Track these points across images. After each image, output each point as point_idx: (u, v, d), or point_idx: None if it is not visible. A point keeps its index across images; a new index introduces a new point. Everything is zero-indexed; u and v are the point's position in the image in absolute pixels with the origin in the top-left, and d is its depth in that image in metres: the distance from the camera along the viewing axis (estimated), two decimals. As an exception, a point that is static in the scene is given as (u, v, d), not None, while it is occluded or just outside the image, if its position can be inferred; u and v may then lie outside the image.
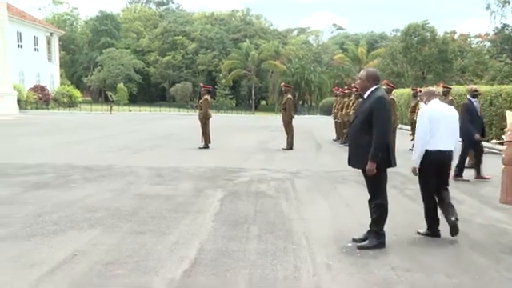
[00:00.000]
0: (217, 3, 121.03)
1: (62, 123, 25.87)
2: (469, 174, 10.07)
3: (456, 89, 20.29)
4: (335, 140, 18.15)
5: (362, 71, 5.51)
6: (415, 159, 5.61)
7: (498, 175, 7.50)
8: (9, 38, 36.98)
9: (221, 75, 63.39)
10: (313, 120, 36.30)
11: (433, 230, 5.72)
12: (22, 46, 44.10)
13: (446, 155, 5.63)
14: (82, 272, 4.35)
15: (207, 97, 15.06)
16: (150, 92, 73.00)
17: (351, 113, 15.17)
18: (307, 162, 12.35)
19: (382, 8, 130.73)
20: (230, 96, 64.01)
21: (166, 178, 9.41)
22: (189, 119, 30.09)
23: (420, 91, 15.04)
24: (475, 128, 9.61)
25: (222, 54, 66.61)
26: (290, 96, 15.47)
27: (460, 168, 9.74)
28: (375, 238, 5.19)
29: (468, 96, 10.42)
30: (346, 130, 15.37)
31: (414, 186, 6.01)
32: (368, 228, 5.29)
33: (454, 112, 5.86)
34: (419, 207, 6.25)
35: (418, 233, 5.78)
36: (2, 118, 27.59)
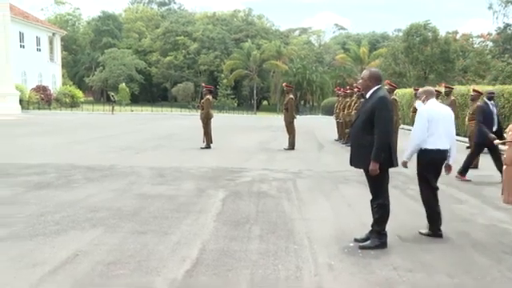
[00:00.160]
0: (218, 3, 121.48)
1: (64, 123, 25.90)
2: (471, 174, 10.06)
3: (458, 89, 20.27)
4: (337, 140, 18.15)
5: (364, 71, 5.51)
6: (407, 154, 5.69)
7: (500, 175, 7.50)
8: (11, 38, 37.04)
9: (222, 75, 63.46)
10: (314, 120, 36.28)
11: (435, 230, 5.71)
12: (24, 47, 44.18)
13: (444, 154, 5.72)
14: (83, 272, 4.35)
15: (209, 97, 15.07)
16: (151, 92, 73.09)
17: (353, 113, 15.16)
18: (309, 162, 12.34)
19: (383, 8, 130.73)
20: (232, 96, 64.07)
21: (167, 178, 9.42)
22: (190, 119, 30.09)
23: (437, 91, 15.04)
24: (490, 130, 9.48)
25: (223, 54, 66.65)
26: (291, 96, 15.46)
27: (465, 167, 9.73)
28: (377, 238, 5.19)
29: (484, 98, 10.39)
30: (347, 130, 15.38)
31: (416, 186, 6.00)
32: (370, 228, 5.29)
33: (451, 112, 5.95)
34: (421, 207, 6.23)
35: (420, 233, 5.78)
36: (4, 118, 27.65)
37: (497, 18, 41.32)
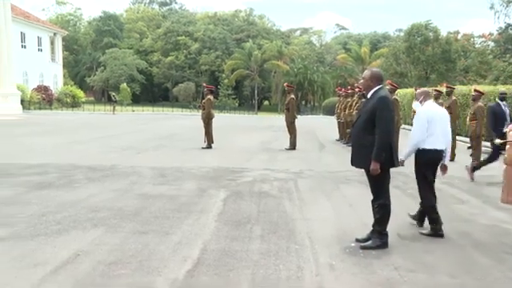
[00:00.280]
0: (220, 3, 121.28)
1: (65, 123, 25.92)
2: (474, 174, 10.06)
3: (459, 89, 20.25)
4: (338, 140, 18.15)
5: (365, 71, 5.52)
6: (405, 154, 5.74)
7: (501, 175, 7.49)
8: (13, 38, 37.05)
9: (224, 75, 63.46)
10: (316, 120, 36.27)
11: (436, 230, 5.71)
12: (25, 47, 44.22)
13: (441, 154, 5.82)
14: (85, 272, 4.36)
15: (210, 97, 15.08)
16: (152, 92, 73.10)
17: (354, 113, 15.16)
18: (310, 162, 12.34)
19: (385, 8, 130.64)
20: (233, 96, 64.05)
21: (169, 178, 9.42)
22: (192, 119, 30.10)
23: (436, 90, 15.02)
24: (500, 131, 9.46)
25: (224, 54, 66.64)
26: (292, 96, 15.47)
27: (478, 167, 9.76)
28: (378, 238, 5.18)
29: (496, 99, 10.39)
30: (349, 130, 15.38)
31: (417, 186, 6.01)
32: (371, 228, 5.29)
33: (447, 113, 6.11)
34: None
35: (421, 233, 5.78)
36: (6, 118, 27.67)
37: (498, 17, 41.27)
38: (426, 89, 6.54)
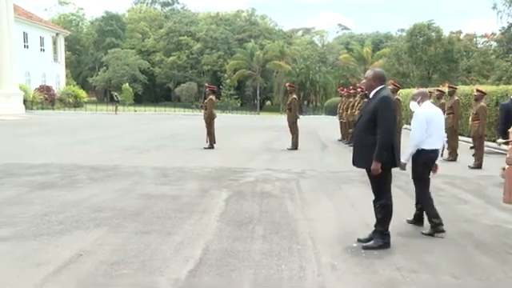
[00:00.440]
0: (222, 3, 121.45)
1: (68, 123, 25.95)
2: (475, 175, 10.05)
3: (462, 89, 20.23)
4: (340, 140, 18.14)
5: (368, 71, 5.51)
6: (407, 156, 5.77)
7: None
8: (15, 38, 37.10)
9: (226, 75, 63.42)
10: (318, 120, 36.25)
11: (436, 226, 5.77)
12: (28, 47, 44.26)
13: (438, 154, 5.96)
14: (87, 272, 4.36)
15: (212, 97, 15.08)
16: (155, 92, 73.09)
17: (356, 113, 15.15)
18: (312, 162, 12.34)
19: (387, 8, 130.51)
20: (235, 96, 64.00)
21: (171, 178, 9.43)
22: (194, 119, 30.11)
23: (430, 92, 15.02)
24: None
25: (226, 54, 66.63)
26: (294, 96, 15.47)
27: None
28: (380, 238, 5.18)
29: (511, 96, 10.38)
30: (351, 130, 15.36)
31: (414, 186, 6.03)
32: (373, 228, 5.29)
33: (442, 113, 6.25)
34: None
35: (423, 233, 5.78)
36: (9, 118, 27.72)
37: (501, 17, 41.29)
38: (423, 89, 6.61)
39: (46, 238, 5.31)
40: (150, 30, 76.16)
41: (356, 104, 16.24)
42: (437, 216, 5.77)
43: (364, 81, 5.42)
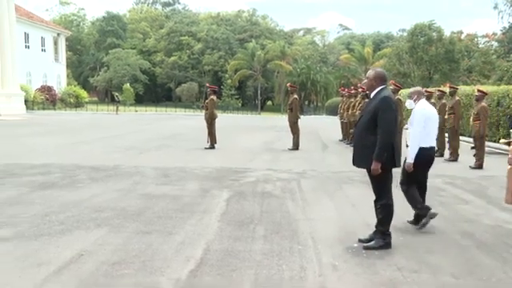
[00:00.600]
0: (223, 3, 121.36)
1: (69, 123, 25.97)
2: (476, 175, 10.04)
3: (463, 89, 20.23)
4: (341, 140, 18.14)
5: (369, 71, 5.51)
6: (412, 155, 5.82)
7: (505, 175, 7.47)
8: (16, 38, 37.13)
9: (227, 75, 63.44)
10: (319, 120, 36.26)
11: (426, 212, 5.90)
12: (29, 47, 44.32)
13: (434, 151, 6.14)
14: (88, 272, 4.36)
15: (213, 97, 15.07)
16: (156, 92, 73.18)
17: (357, 113, 15.15)
18: (313, 162, 12.34)
19: (388, 8, 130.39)
20: (236, 96, 64.04)
21: (172, 178, 9.43)
22: (195, 119, 30.13)
23: (427, 91, 15.01)
24: None
25: (227, 55, 66.67)
26: (295, 96, 15.46)
27: None
28: (381, 238, 5.18)
29: None
30: (352, 131, 15.36)
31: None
32: (374, 228, 5.29)
33: (436, 111, 6.38)
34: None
35: (408, 221, 5.81)
36: (10, 118, 27.76)
37: (502, 17, 41.25)
38: (419, 87, 6.69)
39: (46, 238, 5.31)
40: (151, 30, 76.21)
41: (357, 104, 16.24)
42: (424, 206, 5.98)
43: (365, 81, 5.42)
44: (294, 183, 9.08)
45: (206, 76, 65.40)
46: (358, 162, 5.31)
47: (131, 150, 14.07)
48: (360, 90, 16.07)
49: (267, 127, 26.49)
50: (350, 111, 16.91)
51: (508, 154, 7.28)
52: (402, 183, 6.00)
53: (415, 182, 6.01)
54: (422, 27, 45.76)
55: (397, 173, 5.52)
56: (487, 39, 50.41)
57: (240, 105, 63.59)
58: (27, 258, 4.70)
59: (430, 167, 6.10)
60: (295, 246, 5.22)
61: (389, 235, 5.22)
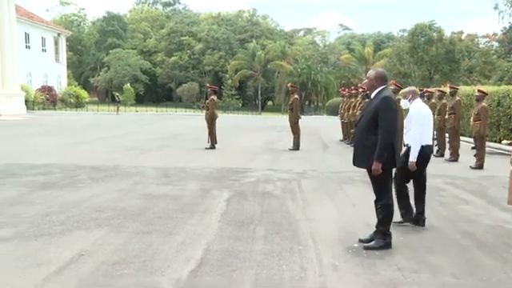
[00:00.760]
0: (223, 4, 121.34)
1: (69, 123, 25.98)
2: (477, 175, 10.02)
3: (463, 89, 20.21)
4: (342, 140, 18.14)
5: (370, 71, 5.51)
6: (414, 154, 5.89)
7: (506, 176, 7.47)
8: (17, 38, 37.15)
9: (227, 75, 63.45)
10: (319, 120, 36.26)
11: (411, 217, 6.00)
12: (29, 47, 44.34)
13: (432, 149, 6.29)
14: (88, 272, 4.36)
15: (214, 97, 15.07)
16: (156, 92, 73.20)
17: (358, 113, 15.14)
18: (314, 162, 12.34)
19: (388, 8, 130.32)
20: (237, 96, 64.06)
21: (172, 178, 9.43)
22: (195, 119, 30.13)
23: (427, 91, 15.02)
24: None
25: (228, 55, 66.67)
26: (296, 96, 15.46)
27: None
28: (382, 238, 5.18)
29: None
30: (353, 131, 15.36)
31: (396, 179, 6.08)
32: (374, 228, 5.28)
33: (429, 110, 6.52)
34: (426, 207, 6.24)
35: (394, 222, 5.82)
36: (10, 118, 27.77)
37: (502, 18, 41.25)
38: (413, 87, 6.78)
39: (47, 238, 5.31)
40: (152, 30, 76.22)
41: (357, 104, 16.24)
42: (410, 212, 6.07)
43: (366, 81, 5.42)
44: (294, 183, 9.08)
45: (206, 76, 65.41)
46: (358, 162, 5.30)
47: (132, 150, 14.07)
48: (360, 90, 16.07)
49: (268, 127, 26.49)
50: (350, 111, 16.91)
51: (510, 155, 7.29)
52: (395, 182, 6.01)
53: (409, 180, 6.12)
54: (422, 27, 45.76)
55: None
56: (487, 39, 50.43)
57: (240, 105, 63.60)
58: (27, 257, 4.70)
59: (427, 165, 6.19)
60: (295, 246, 5.22)
61: (389, 235, 5.22)
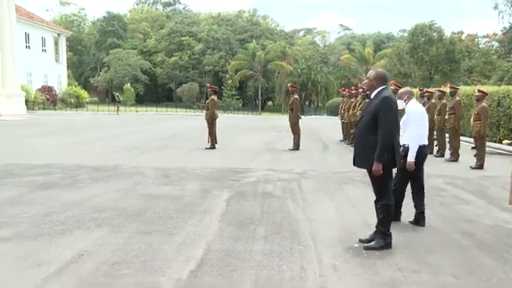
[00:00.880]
0: (223, 4, 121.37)
1: (69, 123, 25.98)
2: (477, 175, 10.02)
3: (463, 89, 20.22)
4: (342, 140, 18.14)
5: (370, 71, 5.51)
6: (413, 154, 5.95)
7: (506, 176, 7.47)
8: (17, 38, 37.14)
9: (227, 76, 63.44)
10: (319, 120, 36.26)
11: (396, 215, 6.00)
12: (29, 47, 44.32)
13: (428, 148, 6.37)
14: (88, 272, 4.36)
15: (214, 97, 15.07)
16: (156, 92, 73.18)
17: (358, 113, 15.14)
18: (314, 162, 12.34)
19: (388, 8, 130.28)
20: (237, 96, 64.04)
21: (172, 178, 9.43)
22: (195, 120, 30.14)
23: (427, 91, 15.02)
24: None
25: (228, 55, 66.66)
26: (296, 96, 15.46)
27: None
28: (382, 238, 5.18)
29: None
30: (353, 131, 15.36)
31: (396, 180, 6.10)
32: (374, 228, 5.28)
33: (425, 110, 6.64)
34: (426, 207, 6.24)
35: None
36: (10, 118, 27.77)
37: (502, 18, 41.26)
38: (408, 88, 6.84)
39: (47, 238, 5.31)
40: (152, 30, 76.21)
41: (358, 104, 16.23)
42: (398, 210, 6.13)
43: (366, 81, 5.41)
44: (294, 183, 9.08)
45: (206, 76, 65.39)
46: (358, 162, 5.30)
47: (132, 150, 14.07)
48: (360, 90, 16.07)
49: (268, 127, 26.49)
50: (350, 111, 16.91)
51: (510, 155, 7.29)
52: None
53: (408, 181, 6.17)
54: (422, 27, 45.71)
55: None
56: (488, 39, 50.40)
57: (240, 105, 63.58)
58: (27, 257, 4.70)
59: (423, 164, 6.24)
60: (296, 246, 5.22)
61: (389, 235, 5.22)
